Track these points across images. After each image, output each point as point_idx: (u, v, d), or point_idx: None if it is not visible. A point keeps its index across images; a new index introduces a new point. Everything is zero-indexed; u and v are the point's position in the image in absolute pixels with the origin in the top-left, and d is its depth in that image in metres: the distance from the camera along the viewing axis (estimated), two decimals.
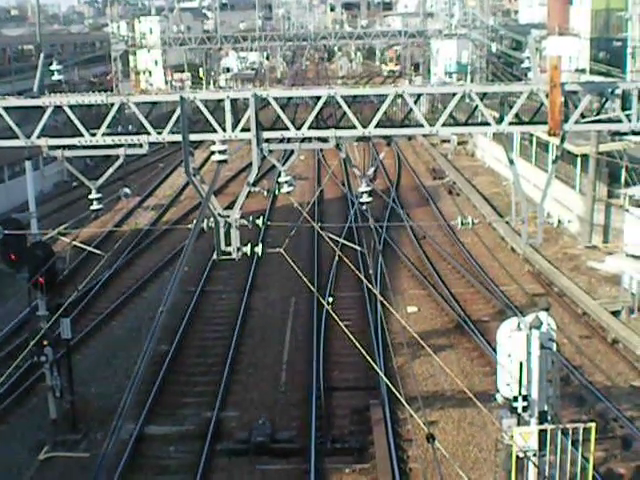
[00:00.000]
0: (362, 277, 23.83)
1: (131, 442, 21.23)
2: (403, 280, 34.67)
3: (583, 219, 38.43)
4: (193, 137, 18.19)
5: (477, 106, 18.78)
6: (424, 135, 22.10)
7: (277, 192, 22.39)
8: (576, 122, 18.35)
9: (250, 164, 18.52)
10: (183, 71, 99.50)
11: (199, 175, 18.86)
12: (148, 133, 18.36)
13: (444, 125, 18.68)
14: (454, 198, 50.50)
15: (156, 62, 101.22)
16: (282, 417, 23.04)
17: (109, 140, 18.40)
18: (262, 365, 26.67)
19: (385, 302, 20.46)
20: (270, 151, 18.58)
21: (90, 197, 19.19)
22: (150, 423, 22.76)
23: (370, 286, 22.10)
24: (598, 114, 18.93)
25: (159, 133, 18.35)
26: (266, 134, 18.37)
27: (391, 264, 35.68)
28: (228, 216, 18.51)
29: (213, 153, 18.74)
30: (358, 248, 27.69)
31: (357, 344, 16.65)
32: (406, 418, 22.17)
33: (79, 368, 24.70)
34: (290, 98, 19.69)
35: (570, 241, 38.91)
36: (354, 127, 18.49)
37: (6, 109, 18.31)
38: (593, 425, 14.26)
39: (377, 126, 18.48)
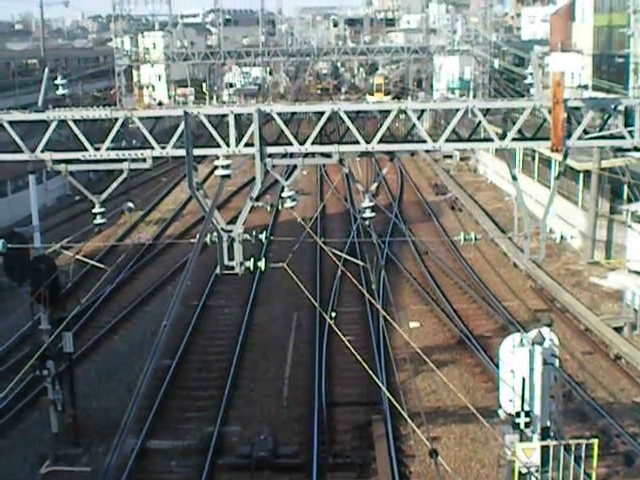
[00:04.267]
0: (365, 292, 23.81)
1: (133, 457, 21.17)
2: (405, 295, 34.65)
3: (585, 235, 38.45)
4: (197, 152, 18.25)
5: (480, 122, 18.84)
6: (427, 151, 22.10)
7: (280, 207, 22.45)
8: (579, 138, 18.40)
9: (253, 179, 18.58)
10: (186, 86, 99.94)
11: (202, 190, 18.92)
12: (152, 147, 18.42)
13: (447, 141, 18.74)
14: (456, 214, 50.55)
15: (159, 77, 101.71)
16: (284, 432, 22.97)
17: (113, 154, 18.46)
18: (264, 380, 26.64)
19: (388, 317, 20.46)
20: (273, 166, 18.64)
21: (94, 211, 19.24)
22: (152, 438, 22.71)
23: (373, 301, 22.07)
24: (601, 130, 18.98)
25: (163, 148, 18.41)
26: (269, 149, 18.42)
27: (393, 279, 35.66)
28: (231, 231, 18.55)
29: (216, 168, 18.82)
30: (360, 263, 27.70)
31: (359, 359, 16.63)
32: (408, 434, 22.11)
33: (81, 382, 24.66)
34: (294, 113, 19.73)
35: (572, 257, 38.92)
36: (357, 142, 18.55)
37: (11, 123, 18.39)
38: (596, 441, 14.24)
39: (380, 141, 18.53)
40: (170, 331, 18.00)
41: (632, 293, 30.09)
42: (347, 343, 17.50)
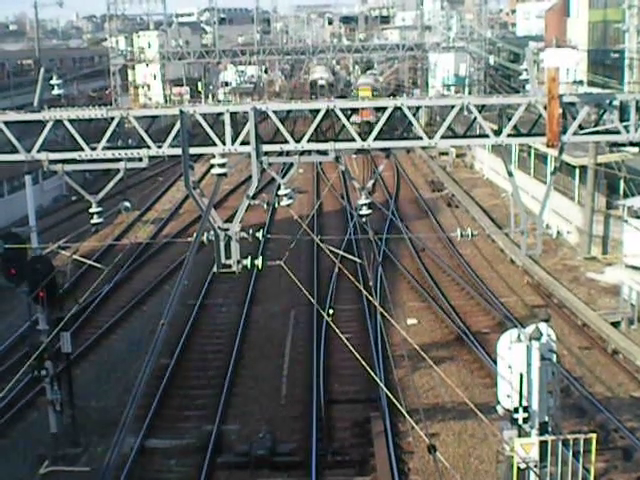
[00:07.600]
0: (362, 289, 23.81)
1: (132, 456, 21.18)
2: (403, 292, 34.66)
3: (582, 230, 38.49)
4: (193, 150, 18.25)
5: (475, 118, 18.85)
6: (423, 147, 22.17)
7: (277, 205, 22.45)
8: (574, 133, 18.42)
9: (249, 177, 18.58)
10: (182, 85, 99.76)
11: (199, 188, 18.92)
12: (148, 147, 18.42)
13: (443, 137, 18.74)
14: (453, 210, 50.57)
15: (155, 76, 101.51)
16: (283, 430, 23.00)
17: (109, 154, 18.47)
18: (262, 378, 26.65)
19: (385, 314, 20.45)
20: (270, 164, 18.64)
21: (90, 211, 19.24)
22: (151, 436, 22.72)
23: (370, 298, 22.08)
24: (596, 125, 19.01)
25: (159, 147, 18.41)
26: (265, 147, 18.43)
27: (391, 276, 35.69)
28: (228, 229, 18.56)
29: (213, 166, 18.82)
30: (358, 260, 27.70)
31: (357, 356, 16.64)
32: (407, 430, 22.15)
33: (79, 382, 24.68)
34: (289, 111, 19.74)
35: (569, 252, 38.95)
36: (353, 140, 18.55)
37: (6, 124, 18.38)
38: (594, 436, 14.27)
39: (376, 138, 18.54)
40: (168, 330, 17.98)
41: (629, 288, 30.14)
42: (345, 340, 17.50)
